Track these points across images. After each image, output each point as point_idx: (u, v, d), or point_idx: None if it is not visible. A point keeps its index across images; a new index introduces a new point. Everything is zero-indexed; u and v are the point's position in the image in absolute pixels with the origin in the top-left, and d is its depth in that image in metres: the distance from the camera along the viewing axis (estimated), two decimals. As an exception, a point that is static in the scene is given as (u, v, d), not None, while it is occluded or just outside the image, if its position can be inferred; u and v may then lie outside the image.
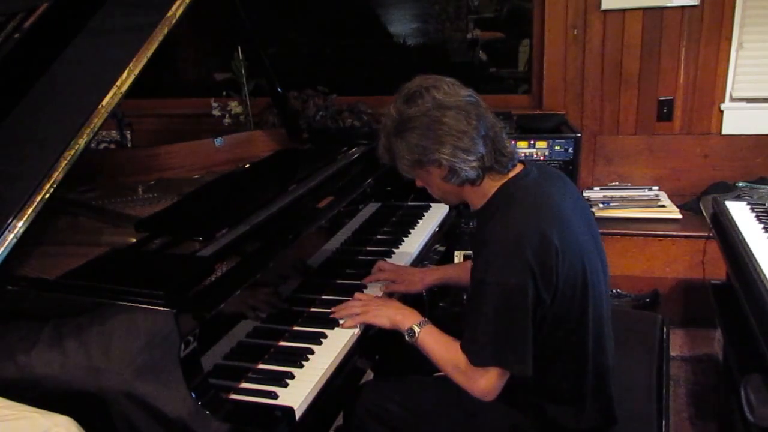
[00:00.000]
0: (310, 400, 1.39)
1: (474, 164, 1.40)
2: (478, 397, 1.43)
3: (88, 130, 1.47)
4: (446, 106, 1.38)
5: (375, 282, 1.87)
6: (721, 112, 3.16)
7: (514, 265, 1.34)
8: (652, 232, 2.94)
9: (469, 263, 1.70)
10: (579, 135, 3.01)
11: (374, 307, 1.64)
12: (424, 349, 1.53)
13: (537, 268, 1.33)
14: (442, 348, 1.50)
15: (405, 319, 1.57)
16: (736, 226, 2.09)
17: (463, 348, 1.44)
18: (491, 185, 1.47)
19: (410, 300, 1.83)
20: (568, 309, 1.41)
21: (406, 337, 1.55)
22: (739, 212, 2.21)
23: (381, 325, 1.61)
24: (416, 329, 1.53)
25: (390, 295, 1.82)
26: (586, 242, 1.46)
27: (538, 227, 1.36)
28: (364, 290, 1.83)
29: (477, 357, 1.40)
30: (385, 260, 1.97)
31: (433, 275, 1.91)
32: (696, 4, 3.03)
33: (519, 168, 1.49)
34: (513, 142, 1.50)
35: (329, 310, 1.70)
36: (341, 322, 1.64)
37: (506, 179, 1.47)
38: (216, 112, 3.42)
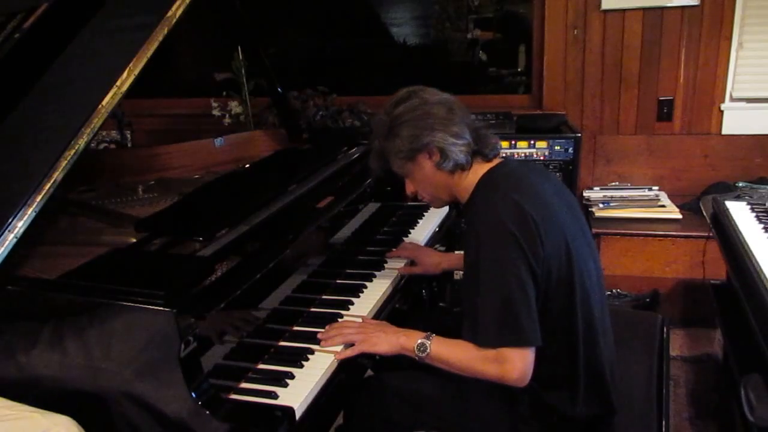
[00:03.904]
0: (310, 400, 1.39)
1: (462, 148, 1.51)
2: (515, 382, 1.41)
3: (88, 130, 1.47)
4: (432, 102, 1.52)
5: (396, 259, 1.97)
6: (721, 112, 3.16)
7: (500, 238, 1.39)
8: (652, 232, 2.94)
9: None
10: (579, 135, 3.01)
11: (372, 334, 1.55)
12: (440, 360, 1.49)
13: (521, 237, 1.38)
14: (460, 350, 1.47)
15: (409, 339, 1.52)
16: (736, 226, 2.09)
17: (466, 334, 1.44)
18: (476, 173, 1.55)
19: (414, 293, 1.84)
20: (557, 289, 1.43)
21: (416, 355, 1.50)
22: (739, 212, 2.21)
23: (383, 352, 1.54)
24: (427, 343, 1.49)
25: (402, 280, 1.86)
26: (569, 225, 1.49)
27: (513, 201, 1.42)
28: (366, 288, 1.83)
29: (482, 336, 1.41)
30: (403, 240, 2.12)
31: (450, 260, 2.01)
32: (696, 4, 3.04)
33: (500, 160, 1.59)
34: (497, 140, 1.61)
35: (329, 310, 1.70)
36: (337, 348, 1.52)
37: (490, 166, 1.55)
38: (216, 112, 3.42)
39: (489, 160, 1.56)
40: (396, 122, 1.51)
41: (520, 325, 1.38)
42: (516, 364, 1.39)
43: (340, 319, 1.66)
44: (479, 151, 1.54)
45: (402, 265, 1.96)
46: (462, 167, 1.53)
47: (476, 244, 1.42)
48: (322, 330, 1.59)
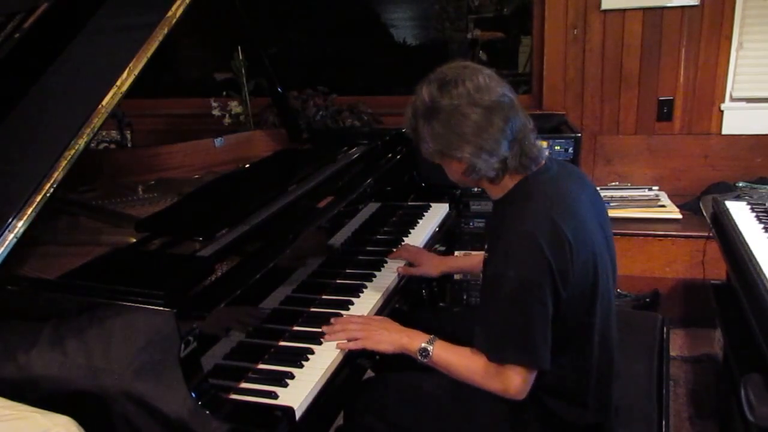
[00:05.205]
0: (310, 400, 1.39)
1: (495, 165, 1.41)
2: (511, 397, 1.40)
3: (88, 130, 1.47)
4: (477, 104, 1.37)
5: (396, 259, 1.97)
6: (721, 112, 3.16)
7: (532, 259, 1.34)
8: (652, 232, 2.94)
9: (480, 256, 1.68)
10: (579, 135, 3.00)
11: (375, 332, 1.55)
12: (442, 366, 1.48)
13: (554, 262, 1.33)
14: (463, 358, 1.46)
15: (412, 341, 1.51)
16: (736, 226, 2.09)
17: (478, 344, 1.43)
18: (511, 180, 1.47)
19: (414, 293, 1.83)
20: (578, 305, 1.41)
21: (418, 358, 1.49)
22: (739, 212, 2.21)
23: (384, 351, 1.53)
24: (429, 347, 1.48)
25: (402, 280, 1.84)
26: (599, 241, 1.46)
27: (552, 221, 1.36)
28: (366, 288, 1.83)
29: (494, 352, 1.40)
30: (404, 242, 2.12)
31: (449, 263, 2.02)
32: (696, 4, 3.04)
33: (540, 164, 1.48)
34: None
35: (329, 310, 1.70)
36: (336, 343, 1.54)
37: (526, 174, 1.46)
38: (216, 112, 3.42)
39: (525, 173, 1.45)
40: (433, 112, 1.39)
41: (535, 348, 1.36)
42: (517, 382, 1.38)
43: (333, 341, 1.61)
44: (514, 168, 1.43)
45: (402, 265, 1.96)
46: (491, 180, 1.45)
47: (505, 255, 1.37)
48: (323, 330, 1.59)
